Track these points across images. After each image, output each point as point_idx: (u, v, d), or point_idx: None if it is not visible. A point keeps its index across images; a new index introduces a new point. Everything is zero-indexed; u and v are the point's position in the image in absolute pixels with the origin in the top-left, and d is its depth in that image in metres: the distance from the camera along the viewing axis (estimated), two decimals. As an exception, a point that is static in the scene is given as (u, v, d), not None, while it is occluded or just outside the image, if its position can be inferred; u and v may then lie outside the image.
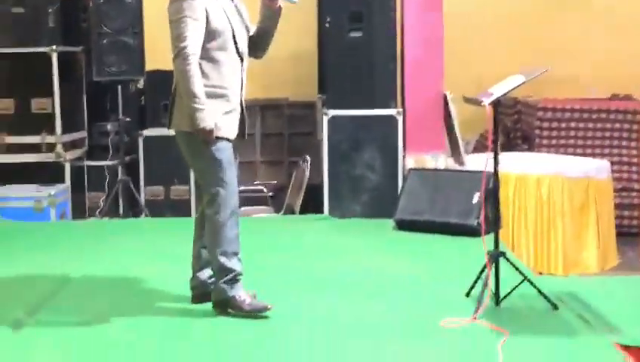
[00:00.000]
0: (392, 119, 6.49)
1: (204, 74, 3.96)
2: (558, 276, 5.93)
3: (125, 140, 7.26)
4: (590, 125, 7.85)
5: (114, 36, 7.05)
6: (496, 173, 4.27)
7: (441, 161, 6.64)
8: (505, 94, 4.15)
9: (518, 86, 4.16)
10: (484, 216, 4.96)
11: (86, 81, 7.50)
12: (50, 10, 7.15)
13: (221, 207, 4.02)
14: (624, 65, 9.49)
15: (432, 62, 6.76)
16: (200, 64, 3.94)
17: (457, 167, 6.63)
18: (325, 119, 6.56)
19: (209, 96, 3.94)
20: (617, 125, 7.84)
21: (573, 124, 7.86)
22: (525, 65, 8.54)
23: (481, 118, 9.11)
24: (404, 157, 6.52)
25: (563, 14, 9.71)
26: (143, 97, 8.02)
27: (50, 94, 7.05)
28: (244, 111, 4.13)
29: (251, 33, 4.20)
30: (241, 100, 4.12)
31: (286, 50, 8.99)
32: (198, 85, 3.87)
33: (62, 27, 7.27)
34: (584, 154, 7.63)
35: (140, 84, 7.92)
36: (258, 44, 4.24)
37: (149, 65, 7.46)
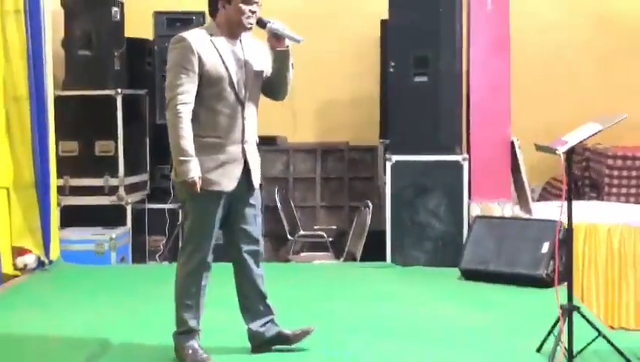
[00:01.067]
0: (457, 165, 6.44)
1: (198, 123, 3.89)
2: (631, 330, 5.78)
3: (186, 183, 7.32)
4: (661, 174, 7.73)
5: (178, 79, 7.18)
6: (570, 222, 4.17)
7: (508, 208, 6.56)
8: (580, 142, 4.07)
9: (594, 134, 4.07)
10: (557, 266, 4.84)
11: (149, 123, 7.57)
12: (116, 54, 7.26)
13: (188, 259, 4.04)
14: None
15: (499, 108, 6.75)
16: (195, 113, 3.89)
17: (524, 215, 6.53)
18: (389, 164, 6.51)
19: (202, 146, 3.88)
20: (691, 175, 7.71)
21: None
22: (596, 112, 8.55)
23: (548, 166, 9.09)
24: (469, 204, 6.47)
25: (632, 59, 9.61)
26: (204, 140, 8.11)
27: (114, 137, 7.11)
28: (249, 159, 4.00)
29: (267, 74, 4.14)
30: (243, 148, 3.98)
31: (348, 94, 9.09)
32: (184, 137, 3.82)
33: (127, 70, 7.39)
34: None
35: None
36: (274, 86, 4.14)
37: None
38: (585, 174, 8.18)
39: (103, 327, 4.74)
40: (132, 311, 5.14)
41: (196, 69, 3.86)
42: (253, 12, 3.93)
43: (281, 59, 4.05)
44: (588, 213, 6.41)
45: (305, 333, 4.20)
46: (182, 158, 3.82)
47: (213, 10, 3.99)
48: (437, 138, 6.50)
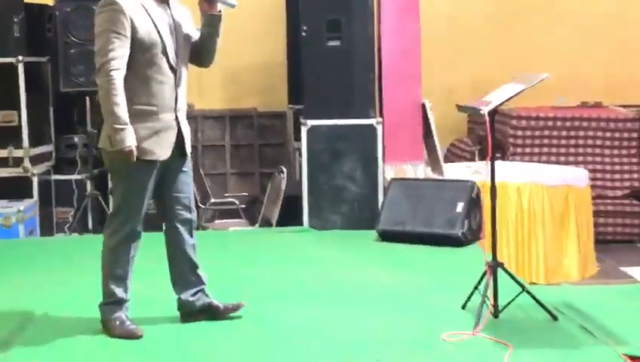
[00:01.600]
0: (371, 128, 6.46)
1: (130, 91, 3.79)
2: (540, 285, 5.94)
3: (94, 153, 7.03)
4: (564, 133, 7.98)
5: (81, 46, 6.97)
6: (493, 181, 4.25)
7: (421, 170, 6.65)
8: (503, 103, 4.14)
9: (517, 94, 4.15)
10: (483, 224, 4.95)
11: (53, 92, 7.36)
12: (15, 20, 7.01)
13: (117, 229, 3.97)
14: (591, 73, 9.68)
15: (410, 71, 6.78)
16: (126, 80, 3.78)
17: (437, 176, 6.64)
18: (304, 129, 6.48)
19: (135, 114, 3.80)
20: (591, 133, 7.97)
21: (547, 133, 8.00)
22: (497, 75, 8.73)
23: (452, 127, 9.31)
24: (383, 167, 6.50)
25: (527, 22, 9.87)
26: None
27: (17, 106, 6.91)
28: (182, 127, 3.96)
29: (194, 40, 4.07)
30: (176, 116, 3.93)
31: (254, 59, 9.03)
32: (118, 104, 3.72)
33: (27, 37, 7.12)
34: (558, 163, 7.75)
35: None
36: (202, 53, 4.09)
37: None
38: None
39: (22, 300, 4.60)
40: (49, 283, 5.00)
41: (128, 34, 3.74)
42: None
43: (212, 23, 4.00)
44: (497, 172, 6.51)
45: (235, 308, 4.20)
46: (117, 126, 3.72)
47: None
48: (351, 102, 6.49)
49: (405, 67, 6.77)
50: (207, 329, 4.10)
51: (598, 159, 7.96)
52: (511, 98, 4.14)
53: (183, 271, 4.14)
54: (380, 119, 6.54)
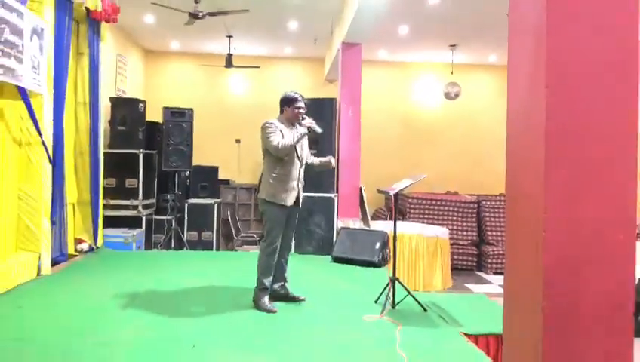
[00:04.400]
0: (331, 199, 6.37)
1: (279, 168, 3.87)
2: (421, 292, 5.90)
3: (177, 205, 7.14)
4: (436, 207, 7.98)
5: (175, 145, 7.03)
6: (395, 232, 4.25)
7: (357, 223, 6.58)
8: (402, 189, 4.19)
9: (409, 185, 4.19)
10: (388, 255, 4.90)
11: (158, 170, 7.37)
12: (140, 129, 7.07)
13: (267, 246, 3.92)
14: (454, 174, 9.85)
15: (354, 168, 6.76)
16: (277, 164, 3.87)
17: (366, 227, 6.54)
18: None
19: (278, 180, 3.86)
20: (451, 208, 8.01)
21: (428, 206, 7.98)
22: (401, 175, 8.82)
23: (376, 200, 9.43)
24: (337, 220, 6.40)
25: (421, 147, 10.06)
26: (188, 181, 7.94)
27: (137, 176, 6.90)
28: (299, 190, 3.98)
29: (309, 160, 4.11)
30: (298, 184, 3.98)
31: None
32: (284, 140, 3.79)
33: (146, 138, 7.18)
34: (433, 224, 7.77)
35: (188, 173, 7.85)
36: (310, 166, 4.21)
37: (195, 162, 7.47)
38: (396, 206, 8.42)
39: (133, 288, 4.50)
40: (155, 279, 4.77)
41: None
42: (302, 112, 3.94)
43: (324, 169, 4.12)
44: (398, 227, 6.51)
45: (298, 298, 4.14)
46: (294, 140, 3.80)
47: (281, 110, 3.99)
48: (321, 184, 6.43)
49: (351, 166, 6.76)
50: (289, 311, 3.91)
51: (455, 224, 7.97)
52: (406, 187, 4.17)
53: (278, 273, 4.10)
54: (336, 194, 6.46)
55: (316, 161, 4.16)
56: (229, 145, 9.35)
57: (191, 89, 9.97)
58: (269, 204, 3.91)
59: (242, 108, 9.78)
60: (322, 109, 6.47)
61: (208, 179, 7.89)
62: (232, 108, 9.94)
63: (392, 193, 4.08)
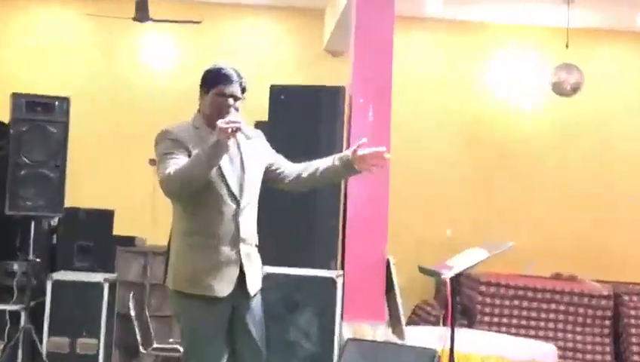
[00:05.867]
0: (331, 282, 6.37)
1: (187, 220, 4.04)
2: None
3: (32, 283, 7.11)
4: (534, 305, 8.10)
5: (33, 168, 7.09)
6: (452, 352, 4.36)
7: (381, 331, 6.57)
8: (468, 269, 4.29)
9: (480, 261, 4.31)
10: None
11: (-3, 214, 7.40)
12: (-39, 135, 7.13)
13: None
14: (565, 243, 9.91)
15: (376, 222, 6.74)
16: (183, 209, 4.04)
17: (397, 340, 6.57)
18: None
19: (190, 246, 4.02)
20: (562, 307, 8.10)
21: (516, 302, 8.12)
22: (465, 233, 8.96)
23: (418, 287, 9.44)
24: (341, 324, 6.39)
25: (505, 182, 10.20)
26: (56, 237, 7.98)
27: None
28: (244, 263, 4.10)
29: (292, 171, 4.29)
30: (238, 250, 4.08)
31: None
32: (184, 166, 3.91)
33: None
34: (527, 335, 7.82)
35: (55, 222, 7.88)
36: (306, 183, 4.36)
37: (68, 202, 7.47)
38: (456, 299, 8.48)
39: None
40: None
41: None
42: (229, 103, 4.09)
43: (348, 174, 4.33)
44: (462, 341, 6.47)
45: None
46: (203, 157, 3.89)
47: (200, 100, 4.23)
48: (312, 251, 6.48)
49: (371, 217, 6.75)
50: None
51: (569, 336, 8.08)
52: (474, 266, 4.27)
53: None
54: (341, 272, 6.46)
55: (322, 164, 4.28)
56: (135, 169, 9.32)
57: (67, 62, 9.98)
58: (182, 297, 4.04)
59: (166, 97, 9.83)
60: (316, 107, 6.59)
61: (94, 234, 7.90)
62: (146, 97, 9.99)
63: (447, 275, 4.19)
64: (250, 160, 4.21)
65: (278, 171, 4.36)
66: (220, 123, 3.88)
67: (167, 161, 3.97)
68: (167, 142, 4.05)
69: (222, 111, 4.06)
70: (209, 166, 3.91)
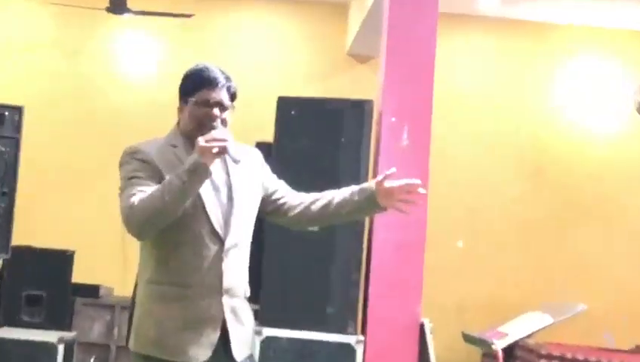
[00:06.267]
0: (348, 349, 6.41)
1: (154, 264, 3.93)
2: None
3: None
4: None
5: None
6: None
7: None
8: (524, 338, 4.21)
9: (543, 329, 4.23)
10: None
11: None
12: None
13: None
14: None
15: (408, 276, 6.79)
16: (149, 255, 3.94)
17: None
18: (257, 340, 6.42)
19: (159, 297, 3.90)
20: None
21: (587, 381, 8.00)
22: (521, 292, 8.83)
23: (459, 359, 9.31)
24: None
25: (576, 228, 10.12)
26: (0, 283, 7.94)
27: None
28: (227, 320, 3.92)
29: (297, 202, 4.20)
30: (221, 304, 3.92)
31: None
32: (151, 195, 3.79)
33: None
34: None
35: (-1, 265, 7.85)
36: (318, 218, 4.24)
37: (16, 240, 7.47)
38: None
39: None
40: None
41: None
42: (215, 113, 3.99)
43: (373, 210, 4.22)
44: None
45: None
46: (177, 183, 3.77)
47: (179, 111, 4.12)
48: (324, 311, 6.50)
49: (402, 270, 6.80)
50: None
51: None
52: (534, 333, 4.20)
53: None
54: (362, 338, 6.50)
55: (337, 196, 4.18)
56: (104, 199, 9.29)
57: (22, 63, 10.06)
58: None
59: (145, 109, 9.95)
60: (336, 126, 6.68)
61: (48, 281, 7.85)
62: (120, 109, 10.10)
63: (499, 345, 4.09)
64: (241, 188, 4.09)
65: (279, 202, 4.26)
66: (201, 140, 3.79)
67: (132, 188, 3.87)
68: (135, 163, 3.95)
69: (204, 124, 3.97)
70: (184, 195, 3.80)
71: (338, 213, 4.18)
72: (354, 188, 4.16)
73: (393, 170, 4.05)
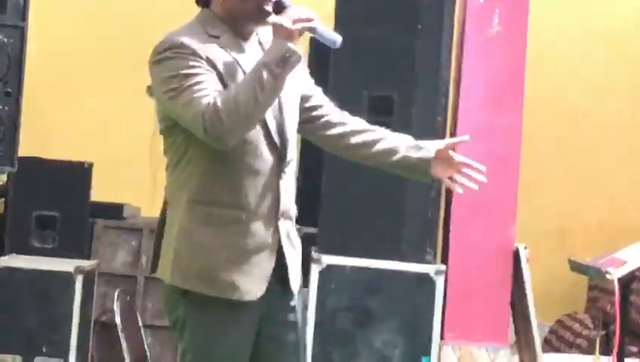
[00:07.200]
0: (426, 280, 6.44)
1: (202, 183, 3.91)
2: None
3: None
4: None
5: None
6: None
7: (503, 359, 6.66)
8: None
9: None
10: None
11: None
12: None
13: None
14: None
15: (500, 194, 6.83)
16: (191, 170, 3.93)
17: None
18: (315, 269, 6.49)
19: (205, 223, 3.91)
20: None
21: None
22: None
23: (562, 293, 9.34)
24: (441, 347, 6.53)
25: None
26: (4, 202, 8.10)
27: None
28: (284, 248, 3.97)
29: (340, 122, 4.18)
30: (277, 229, 3.96)
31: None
32: (239, 93, 3.73)
33: None
34: None
35: (3, 180, 8.01)
36: (354, 152, 4.25)
37: (24, 150, 7.49)
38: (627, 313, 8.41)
39: None
40: None
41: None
42: None
43: (422, 173, 4.20)
44: None
45: None
46: (268, 77, 3.72)
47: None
48: (397, 235, 6.54)
49: (492, 187, 6.74)
50: None
51: None
52: None
53: None
54: (443, 267, 6.54)
55: (388, 140, 4.18)
56: (128, 102, 9.48)
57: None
58: (188, 299, 3.97)
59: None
60: (412, 10, 6.66)
61: (62, 200, 8.02)
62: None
63: (615, 274, 4.07)
64: (289, 97, 4.08)
65: (314, 113, 4.23)
66: (284, 20, 3.76)
67: (199, 86, 3.79)
68: (186, 59, 3.86)
69: (263, 4, 3.94)
70: (276, 91, 3.80)
71: (376, 160, 4.22)
72: (409, 140, 4.19)
73: (466, 137, 4.19)
